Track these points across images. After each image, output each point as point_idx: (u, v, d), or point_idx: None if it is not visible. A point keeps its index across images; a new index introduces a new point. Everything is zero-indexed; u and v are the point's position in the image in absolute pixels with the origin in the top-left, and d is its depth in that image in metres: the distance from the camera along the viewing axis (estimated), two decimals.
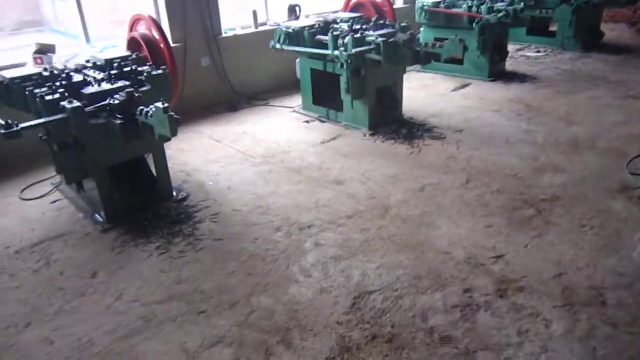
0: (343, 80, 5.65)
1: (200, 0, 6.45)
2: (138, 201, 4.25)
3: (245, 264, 3.54)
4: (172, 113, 3.25)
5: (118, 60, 4.36)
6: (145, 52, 4.89)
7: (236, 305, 3.14)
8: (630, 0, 8.59)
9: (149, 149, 4.21)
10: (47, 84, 3.91)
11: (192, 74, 6.58)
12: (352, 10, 7.33)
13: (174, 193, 4.48)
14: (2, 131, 3.41)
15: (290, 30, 5.90)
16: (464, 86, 7.35)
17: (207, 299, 3.21)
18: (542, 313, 2.96)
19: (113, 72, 4.12)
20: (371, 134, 5.68)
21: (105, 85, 3.90)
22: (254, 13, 7.21)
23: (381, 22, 5.96)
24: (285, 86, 7.29)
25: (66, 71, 4.15)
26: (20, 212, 4.44)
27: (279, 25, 6.14)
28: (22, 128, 3.51)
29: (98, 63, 4.46)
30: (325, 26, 5.92)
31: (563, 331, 2.82)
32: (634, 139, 5.20)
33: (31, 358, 2.84)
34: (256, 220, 4.07)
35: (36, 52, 5.63)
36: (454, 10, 7.41)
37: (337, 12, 7.45)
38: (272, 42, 6.13)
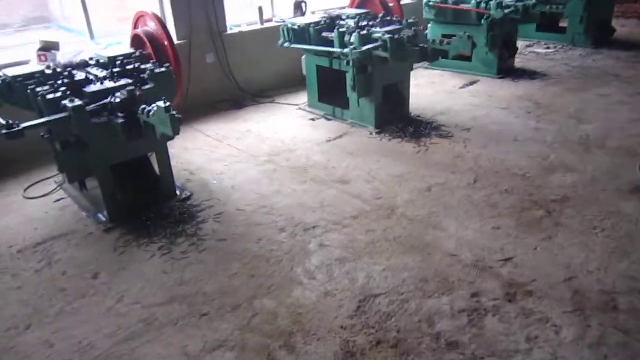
0: (349, 77, 5.58)
1: None
2: (141, 201, 4.20)
3: (248, 265, 3.48)
4: (175, 112, 3.20)
5: (121, 58, 4.30)
6: (149, 49, 4.84)
7: (239, 308, 3.08)
8: None
9: (152, 148, 4.16)
10: (49, 83, 3.87)
11: (197, 71, 6.53)
12: (359, 7, 7.23)
13: (178, 192, 4.44)
14: (4, 131, 3.37)
15: (296, 27, 5.83)
16: (472, 83, 7.25)
17: (210, 301, 3.16)
18: (552, 319, 2.88)
19: (116, 70, 4.07)
20: (378, 133, 5.61)
21: (108, 84, 3.85)
22: (260, 10, 7.14)
23: (388, 18, 5.87)
24: (291, 83, 7.23)
25: (69, 69, 4.10)
26: (23, 210, 4.41)
27: (284, 22, 6.07)
28: (24, 128, 3.46)
29: (101, 61, 4.42)
30: (332, 23, 5.84)
31: (573, 338, 2.75)
32: None
33: None
34: (260, 221, 4.01)
35: (40, 49, 5.60)
36: (462, 6, 7.29)
37: (343, 8, 7.36)
38: (280, 41, 6.04)
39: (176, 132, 3.22)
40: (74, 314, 3.12)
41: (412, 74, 6.00)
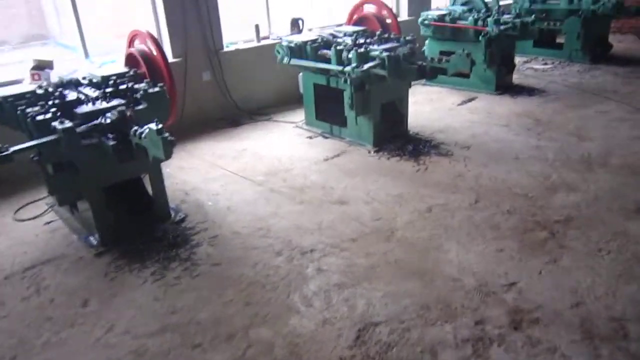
0: (347, 95, 5.50)
1: (202, 14, 6.35)
2: (134, 223, 4.09)
3: (244, 292, 3.36)
4: (167, 135, 3.10)
5: (114, 77, 4.22)
6: (143, 68, 4.76)
7: (233, 338, 2.96)
8: None
9: (145, 170, 4.06)
10: (39, 103, 3.78)
11: (193, 89, 6.46)
12: (356, 24, 7.21)
13: (172, 214, 4.33)
14: None
15: (292, 45, 5.77)
16: (470, 100, 7.20)
17: (203, 331, 3.03)
18: (560, 348, 2.76)
19: (108, 90, 3.98)
20: (376, 151, 5.52)
21: (100, 104, 3.76)
22: (256, 27, 7.10)
23: (386, 35, 5.82)
24: (288, 101, 7.16)
25: (60, 89, 4.02)
26: (13, 232, 4.29)
27: (280, 39, 6.02)
28: (13, 152, 3.36)
29: (94, 80, 4.34)
30: (329, 40, 5.78)
31: None
32: None
33: None
34: (256, 244, 3.90)
35: (33, 68, 5.51)
36: (459, 23, 7.26)
37: (340, 25, 7.33)
38: (279, 58, 5.96)
39: (168, 156, 3.12)
40: (61, 345, 2.99)
41: (410, 90, 5.93)
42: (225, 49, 6.78)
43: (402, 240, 3.85)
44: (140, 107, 3.82)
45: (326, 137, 6.05)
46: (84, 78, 4.45)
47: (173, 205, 4.45)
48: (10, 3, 11.44)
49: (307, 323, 3.05)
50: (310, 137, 6.09)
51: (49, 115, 3.57)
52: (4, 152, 3.28)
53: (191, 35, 6.34)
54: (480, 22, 7.02)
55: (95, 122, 3.50)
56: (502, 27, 6.79)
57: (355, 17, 7.47)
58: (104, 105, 3.74)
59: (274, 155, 5.59)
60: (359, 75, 5.13)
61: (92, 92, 4.05)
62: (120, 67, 4.93)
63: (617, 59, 8.92)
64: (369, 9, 7.44)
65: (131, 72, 4.42)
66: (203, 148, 5.91)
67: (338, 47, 5.35)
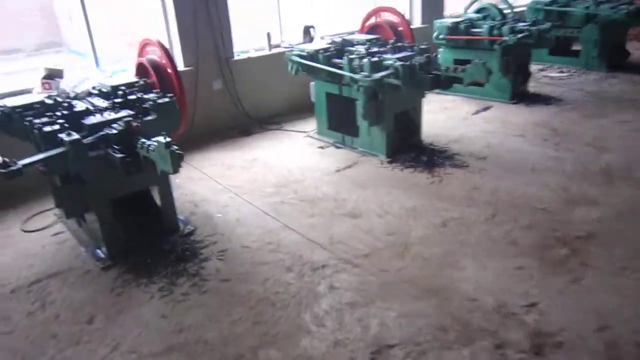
0: (359, 105, 5.40)
1: (213, 23, 6.30)
2: (142, 235, 4.01)
3: (253, 310, 3.25)
4: (175, 148, 3.02)
5: (124, 87, 4.16)
6: (154, 78, 4.70)
7: None
8: None
9: (153, 182, 3.98)
10: (47, 114, 3.73)
11: (204, 97, 6.39)
12: (368, 32, 7.11)
13: (181, 226, 4.24)
14: (2, 171, 3.18)
15: (304, 54, 5.69)
16: (485, 109, 7.06)
17: (210, 351, 2.93)
18: None
19: (117, 100, 3.92)
20: (389, 162, 5.40)
21: (108, 115, 3.70)
22: (268, 35, 7.03)
23: (399, 44, 5.71)
24: (299, 110, 7.07)
25: (68, 100, 3.96)
26: (20, 244, 4.24)
27: (292, 47, 5.94)
28: (23, 166, 3.29)
29: (104, 90, 4.28)
30: (341, 49, 5.69)
31: None
32: None
33: None
34: (266, 259, 3.79)
35: (44, 77, 5.49)
36: (474, 33, 7.13)
37: (353, 33, 7.24)
38: (289, 67, 5.89)
39: (176, 170, 3.04)
40: None
41: (424, 99, 5.82)
42: (237, 57, 6.72)
43: (417, 256, 3.72)
44: (150, 117, 3.75)
45: (338, 147, 5.94)
46: (93, 88, 4.41)
47: (182, 217, 4.37)
48: (25, 11, 11.55)
49: (319, 344, 2.93)
50: (322, 147, 5.99)
51: (56, 127, 3.50)
52: (12, 167, 3.20)
53: (202, 44, 6.29)
54: (495, 31, 6.89)
55: (101, 133, 3.42)
56: (518, 36, 6.65)
57: (367, 24, 7.38)
58: (112, 116, 3.68)
59: (285, 166, 5.49)
60: (371, 85, 5.02)
61: (102, 103, 3.99)
62: (130, 77, 4.88)
63: (634, 67, 8.73)
64: (382, 16, 7.34)
65: (141, 82, 4.37)
66: (213, 158, 5.83)
67: (351, 56, 5.25)
